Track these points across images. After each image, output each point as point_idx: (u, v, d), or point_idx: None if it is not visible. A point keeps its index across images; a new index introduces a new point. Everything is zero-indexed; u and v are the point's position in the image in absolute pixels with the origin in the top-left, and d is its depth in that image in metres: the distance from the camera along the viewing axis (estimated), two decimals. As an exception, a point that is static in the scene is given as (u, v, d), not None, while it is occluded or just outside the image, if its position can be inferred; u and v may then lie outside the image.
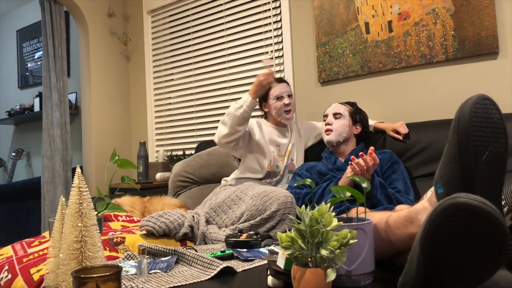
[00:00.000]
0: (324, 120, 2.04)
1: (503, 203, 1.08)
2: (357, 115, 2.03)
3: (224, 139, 1.95)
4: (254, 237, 1.49)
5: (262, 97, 2.17)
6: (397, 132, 2.00)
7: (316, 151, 2.19)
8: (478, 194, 0.80)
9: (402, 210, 1.17)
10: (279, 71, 2.72)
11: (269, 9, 2.75)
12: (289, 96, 2.14)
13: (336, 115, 1.99)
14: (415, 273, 0.86)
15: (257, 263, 1.30)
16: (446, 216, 0.77)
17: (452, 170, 0.85)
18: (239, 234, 1.52)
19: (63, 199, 1.12)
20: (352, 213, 1.41)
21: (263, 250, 1.43)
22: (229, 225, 1.76)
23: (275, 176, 2.10)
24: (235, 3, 2.93)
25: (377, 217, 1.17)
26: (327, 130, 1.99)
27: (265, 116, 2.25)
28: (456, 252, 0.79)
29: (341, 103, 2.06)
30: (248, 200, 1.76)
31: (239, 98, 2.86)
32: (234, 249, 1.42)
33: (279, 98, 2.11)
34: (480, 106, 0.87)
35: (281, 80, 2.19)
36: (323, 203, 0.95)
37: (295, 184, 1.30)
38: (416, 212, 1.03)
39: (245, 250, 1.43)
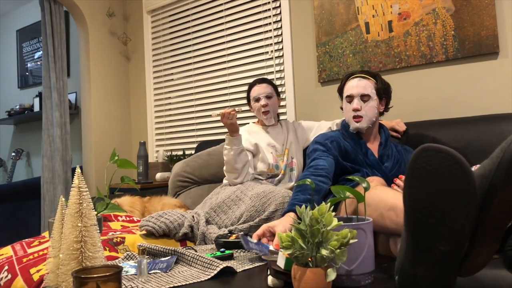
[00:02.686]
0: (348, 101, 1.74)
1: None
2: (383, 89, 1.75)
3: (238, 180, 1.99)
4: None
5: (247, 98, 2.25)
6: (395, 130, 2.00)
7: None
8: (492, 214, 0.84)
9: None
10: (279, 71, 2.72)
11: (269, 9, 2.75)
12: (267, 97, 2.14)
13: (364, 97, 1.70)
14: (404, 246, 0.90)
15: (257, 263, 1.30)
16: (418, 158, 0.87)
17: (480, 182, 0.88)
18: (228, 234, 1.52)
19: (63, 199, 1.12)
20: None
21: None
22: (229, 225, 1.76)
23: (276, 175, 2.11)
24: (235, 3, 2.93)
25: (391, 194, 1.31)
26: (356, 117, 1.70)
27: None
28: (430, 195, 0.85)
29: (363, 77, 1.74)
30: (247, 201, 1.76)
31: (239, 98, 2.90)
32: (244, 237, 1.39)
33: (257, 99, 2.15)
34: None
35: (262, 81, 2.20)
36: (323, 202, 0.95)
37: (295, 184, 1.30)
38: None
39: (254, 242, 1.42)
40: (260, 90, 2.15)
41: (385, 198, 1.30)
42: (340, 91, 1.83)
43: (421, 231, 0.87)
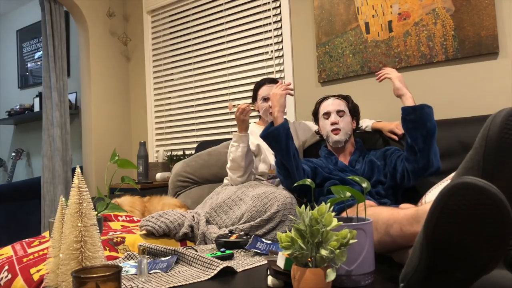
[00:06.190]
0: (325, 118, 1.92)
1: None
2: (354, 109, 1.97)
3: (240, 179, 1.99)
4: (244, 237, 1.50)
5: (253, 97, 2.23)
6: (394, 133, 2.00)
7: (315, 150, 2.19)
8: None
9: (409, 208, 1.19)
10: (279, 71, 2.72)
11: (269, 9, 2.75)
12: None
13: (340, 113, 1.90)
14: (417, 262, 0.86)
15: (257, 263, 1.30)
16: (452, 195, 0.77)
17: (472, 175, 0.84)
18: (229, 234, 1.52)
19: (63, 199, 1.12)
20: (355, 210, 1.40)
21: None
22: (229, 225, 1.76)
23: (277, 176, 2.10)
24: (235, 3, 2.93)
25: (384, 212, 1.21)
26: (335, 130, 1.87)
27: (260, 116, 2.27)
28: (459, 234, 0.78)
29: (336, 97, 1.96)
30: (248, 201, 1.76)
31: (239, 98, 2.90)
32: (258, 238, 1.45)
33: (265, 99, 2.15)
34: None
35: (272, 81, 2.20)
36: (323, 203, 0.95)
37: (295, 184, 1.30)
38: (424, 212, 1.04)
39: (269, 242, 1.46)
40: (270, 90, 2.12)
41: (379, 217, 1.23)
42: (315, 114, 2.00)
43: (439, 259, 0.81)
